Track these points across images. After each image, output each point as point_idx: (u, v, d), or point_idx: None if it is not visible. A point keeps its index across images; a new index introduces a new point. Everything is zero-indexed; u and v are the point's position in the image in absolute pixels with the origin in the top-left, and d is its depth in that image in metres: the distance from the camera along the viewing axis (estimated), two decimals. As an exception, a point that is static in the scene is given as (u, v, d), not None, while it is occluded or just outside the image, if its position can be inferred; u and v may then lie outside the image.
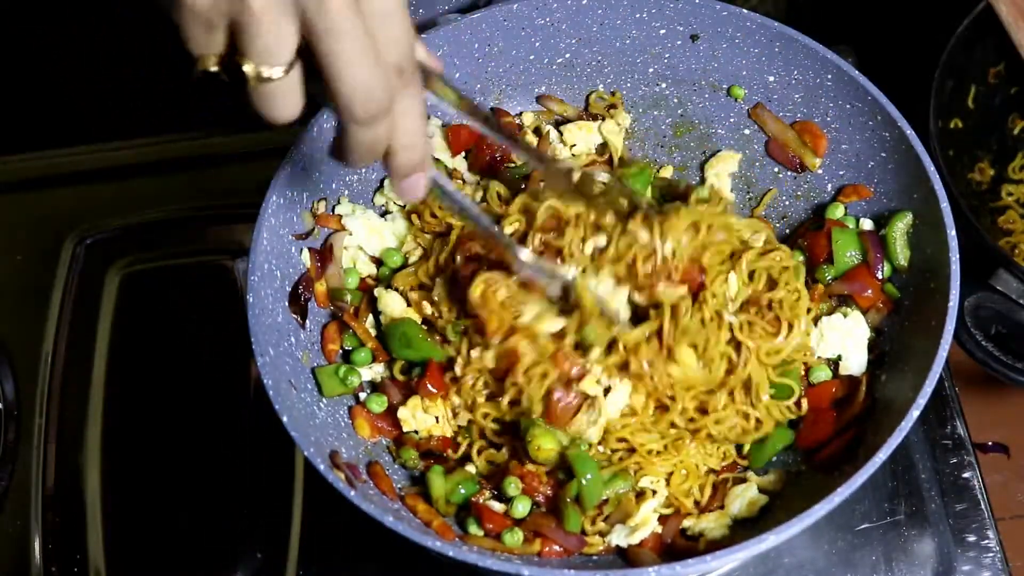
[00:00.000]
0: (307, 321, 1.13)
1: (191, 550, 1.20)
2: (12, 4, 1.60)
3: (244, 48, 0.76)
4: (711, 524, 1.05)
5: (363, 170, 1.22)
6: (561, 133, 1.27)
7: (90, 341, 1.31)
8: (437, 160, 1.23)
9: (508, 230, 1.09)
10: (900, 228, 1.13)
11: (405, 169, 0.89)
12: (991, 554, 1.16)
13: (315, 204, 1.16)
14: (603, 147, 1.27)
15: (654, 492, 1.07)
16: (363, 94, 0.80)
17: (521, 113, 1.28)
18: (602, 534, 1.06)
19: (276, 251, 1.10)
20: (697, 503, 1.08)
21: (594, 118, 1.27)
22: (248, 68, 0.77)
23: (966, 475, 1.20)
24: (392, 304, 1.14)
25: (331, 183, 1.18)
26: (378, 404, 1.12)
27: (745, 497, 1.06)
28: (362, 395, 1.13)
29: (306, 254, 1.14)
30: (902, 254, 1.12)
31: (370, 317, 1.16)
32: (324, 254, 1.16)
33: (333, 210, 1.18)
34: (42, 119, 1.59)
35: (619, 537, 1.04)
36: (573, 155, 1.26)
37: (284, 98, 0.80)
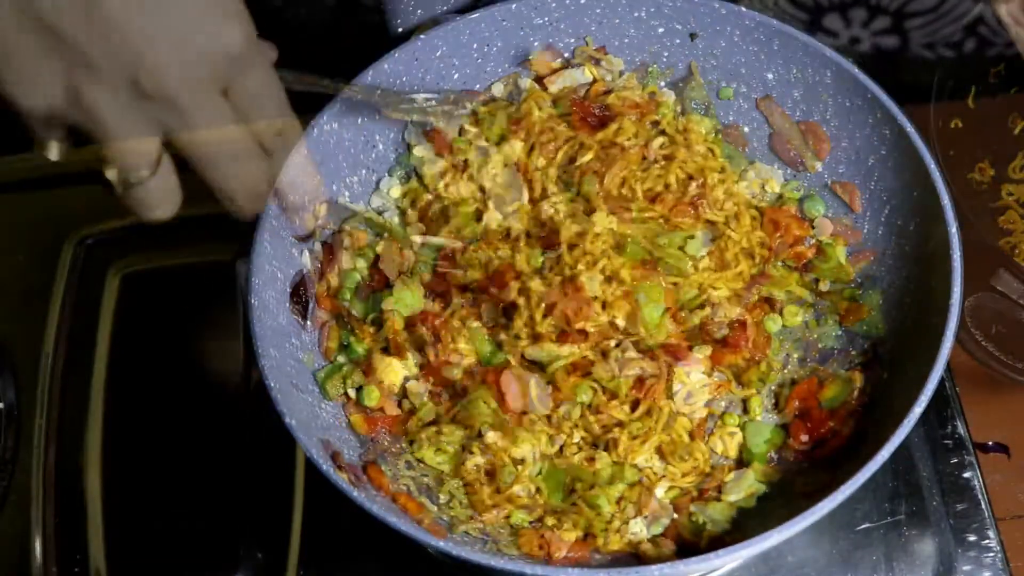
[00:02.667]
0: (309, 322, 1.13)
1: (191, 550, 1.20)
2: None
3: (103, 155, 0.68)
4: (717, 516, 1.05)
5: (363, 172, 1.22)
6: (546, 87, 1.24)
7: (90, 341, 1.31)
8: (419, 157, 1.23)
9: None
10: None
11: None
12: (991, 554, 1.16)
13: (316, 206, 1.16)
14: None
15: (654, 473, 1.07)
16: (245, 195, 0.78)
17: (490, 85, 1.26)
18: (620, 532, 1.05)
19: (277, 253, 1.10)
20: (698, 486, 1.08)
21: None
22: (111, 174, 0.68)
23: (966, 475, 1.20)
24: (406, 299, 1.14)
25: (332, 184, 1.18)
26: (370, 399, 1.11)
27: (743, 485, 1.06)
28: (351, 392, 1.12)
29: (307, 256, 1.14)
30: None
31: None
32: (325, 256, 1.16)
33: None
34: (42, 120, 1.59)
35: (638, 531, 1.04)
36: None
37: (159, 196, 0.71)
